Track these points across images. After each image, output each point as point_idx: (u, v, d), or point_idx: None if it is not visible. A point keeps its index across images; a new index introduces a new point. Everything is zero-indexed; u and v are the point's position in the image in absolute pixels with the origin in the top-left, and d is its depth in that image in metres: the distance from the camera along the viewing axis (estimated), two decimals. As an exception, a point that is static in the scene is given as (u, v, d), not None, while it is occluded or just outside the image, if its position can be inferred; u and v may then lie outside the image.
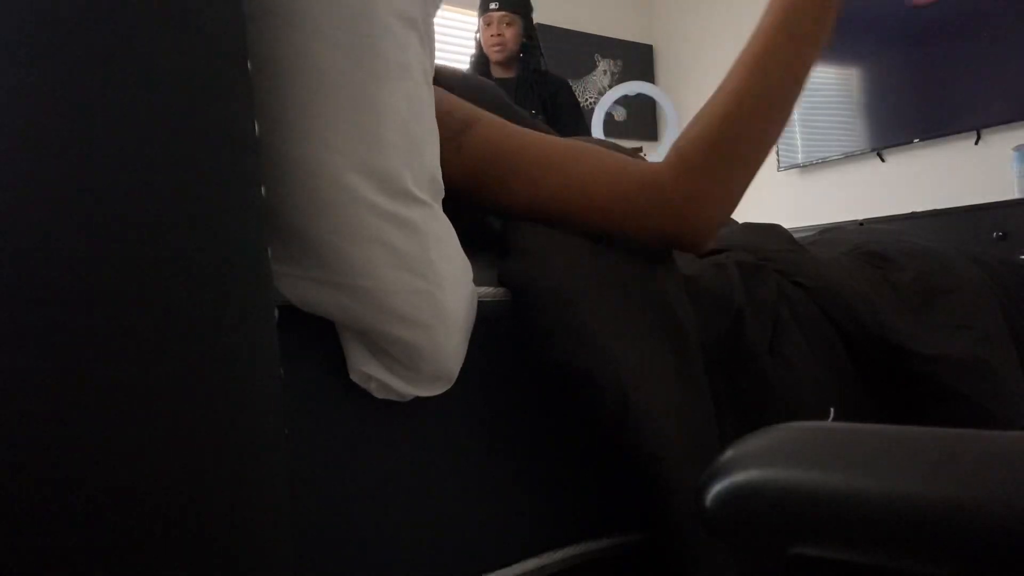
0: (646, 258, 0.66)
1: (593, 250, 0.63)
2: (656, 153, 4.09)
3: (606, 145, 0.74)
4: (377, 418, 0.54)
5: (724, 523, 0.29)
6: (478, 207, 0.68)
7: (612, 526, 0.63)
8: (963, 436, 0.25)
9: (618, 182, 0.65)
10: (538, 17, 2.78)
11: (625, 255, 0.65)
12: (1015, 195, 2.80)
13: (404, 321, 0.50)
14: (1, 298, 0.29)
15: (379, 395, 0.52)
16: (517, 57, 2.71)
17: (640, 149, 3.46)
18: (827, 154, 3.74)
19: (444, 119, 0.60)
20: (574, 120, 2.74)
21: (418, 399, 0.54)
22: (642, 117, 4.55)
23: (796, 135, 3.86)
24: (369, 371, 0.51)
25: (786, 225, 0.99)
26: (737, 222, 0.96)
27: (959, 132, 3.23)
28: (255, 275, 0.36)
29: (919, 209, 3.01)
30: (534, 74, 2.69)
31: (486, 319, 0.58)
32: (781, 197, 3.95)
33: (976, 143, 3.21)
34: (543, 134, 0.69)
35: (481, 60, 2.76)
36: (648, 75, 4.67)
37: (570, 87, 2.83)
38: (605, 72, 4.45)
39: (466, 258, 0.56)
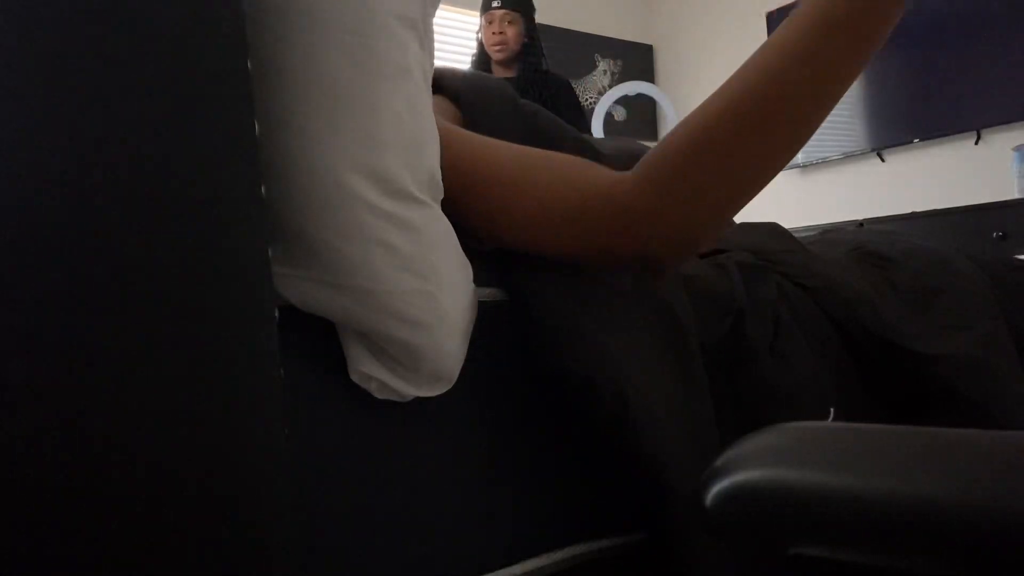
0: None
1: None
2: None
3: (588, 150, 0.71)
4: (377, 418, 0.54)
5: (724, 523, 0.29)
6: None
7: (612, 526, 0.63)
8: (963, 436, 0.25)
9: (578, 195, 0.59)
10: (538, 17, 2.78)
11: None
12: (1015, 195, 2.80)
13: (404, 322, 0.50)
14: (1, 298, 0.29)
15: (379, 395, 0.52)
16: (518, 56, 2.70)
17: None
18: (827, 154, 3.74)
19: None
20: (575, 120, 2.73)
21: (418, 399, 0.54)
22: (642, 117, 4.55)
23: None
24: (369, 371, 0.51)
25: (786, 225, 0.99)
26: (735, 222, 0.96)
27: (959, 132, 3.22)
28: (255, 275, 0.36)
29: (919, 209, 3.01)
30: (535, 74, 2.69)
31: (487, 320, 0.58)
32: (781, 197, 3.95)
33: (976, 143, 3.21)
34: (505, 146, 0.63)
35: (482, 60, 2.75)
36: (648, 75, 4.67)
37: (571, 87, 2.83)
38: (605, 72, 4.45)
39: (466, 259, 0.56)
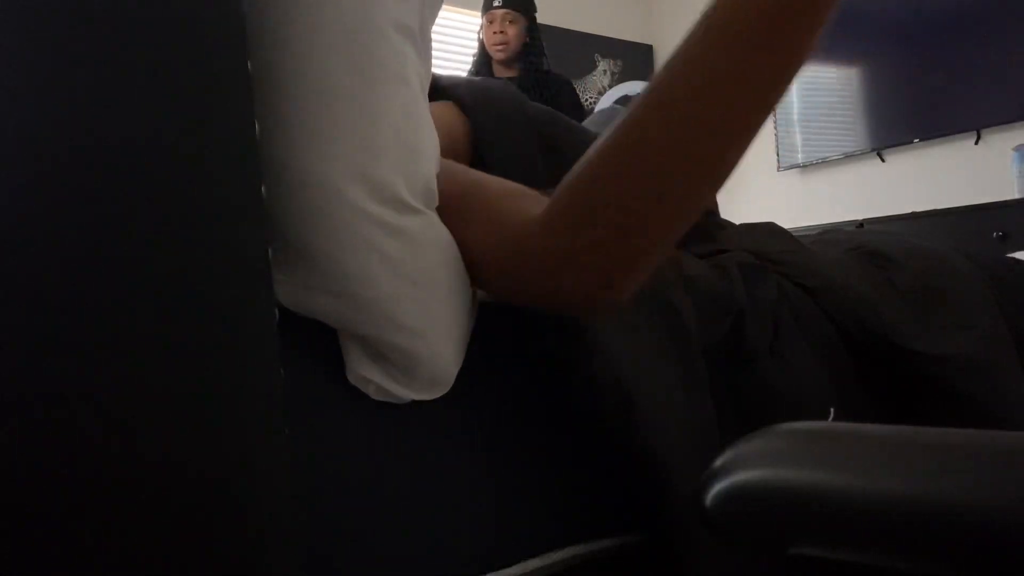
0: None
1: None
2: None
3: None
4: (377, 419, 0.54)
5: (724, 523, 0.29)
6: None
7: (612, 526, 0.63)
8: (964, 436, 0.25)
9: (497, 236, 0.53)
10: (538, 17, 2.78)
11: None
12: (1015, 195, 2.80)
13: (400, 329, 0.50)
14: (1, 298, 0.29)
15: (377, 397, 0.53)
16: (519, 56, 2.70)
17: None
18: (827, 154, 3.74)
19: None
20: (576, 120, 2.73)
21: (418, 400, 0.54)
22: (642, 117, 4.54)
23: (796, 135, 3.86)
24: (367, 375, 0.51)
25: (786, 225, 0.99)
26: (734, 224, 0.96)
27: (959, 132, 3.22)
28: (255, 275, 0.36)
29: (919, 209, 3.01)
30: (536, 74, 2.69)
31: (488, 321, 0.58)
32: (781, 197, 3.95)
33: (976, 143, 3.21)
34: (462, 172, 0.59)
35: (483, 59, 2.75)
36: (648, 75, 4.67)
37: (572, 87, 2.82)
38: (605, 72, 4.45)
39: (463, 264, 0.56)
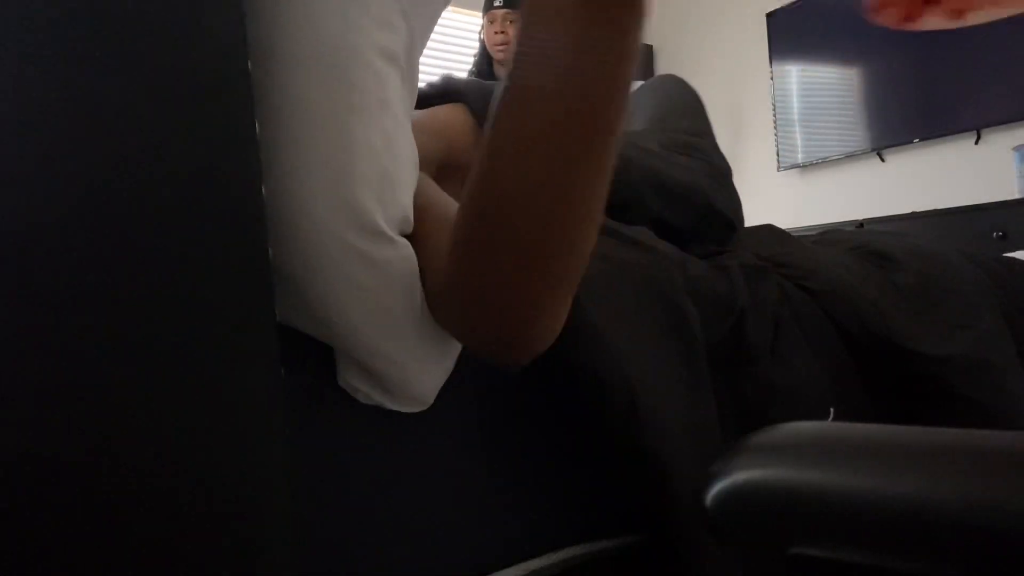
0: (658, 257, 0.66)
1: (604, 250, 0.63)
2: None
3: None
4: (377, 419, 0.54)
5: (724, 523, 0.29)
6: None
7: (612, 527, 0.63)
8: (964, 436, 0.25)
9: (434, 263, 0.51)
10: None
11: (637, 254, 0.65)
12: (1015, 195, 2.80)
13: (373, 353, 0.50)
14: (1, 298, 0.29)
15: (366, 402, 0.53)
16: (519, 57, 2.70)
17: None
18: (827, 154, 3.74)
19: None
20: None
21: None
22: (642, 117, 4.55)
23: (796, 135, 3.86)
24: (354, 383, 0.52)
25: (786, 225, 0.99)
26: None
27: (959, 132, 3.22)
28: (255, 274, 0.36)
29: (919, 209, 3.01)
30: None
31: (486, 319, 0.58)
32: (781, 197, 3.95)
33: (976, 143, 3.21)
34: (435, 200, 0.56)
35: (484, 59, 2.75)
36: (648, 75, 4.67)
37: None
38: (605, 72, 4.44)
39: None
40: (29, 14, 0.30)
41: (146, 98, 0.33)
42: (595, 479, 0.63)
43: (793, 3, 3.77)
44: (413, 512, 0.54)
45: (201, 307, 0.34)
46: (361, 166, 0.47)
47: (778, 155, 3.92)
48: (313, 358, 0.53)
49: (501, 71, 2.71)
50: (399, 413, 0.54)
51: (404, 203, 0.51)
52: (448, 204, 0.56)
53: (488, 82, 0.79)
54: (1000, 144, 3.10)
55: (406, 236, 0.53)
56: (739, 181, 0.95)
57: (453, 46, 3.86)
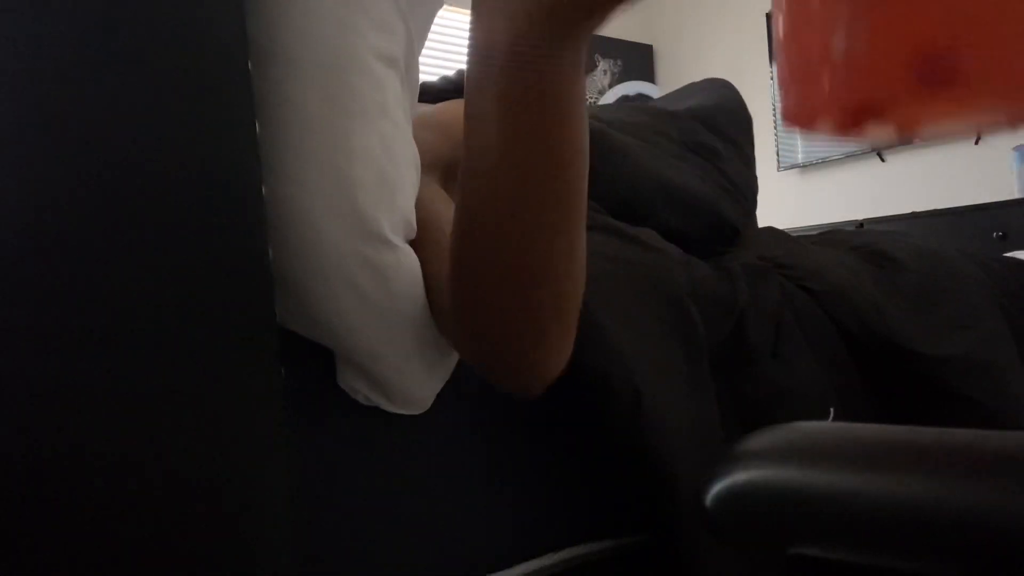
0: (662, 257, 0.66)
1: (610, 250, 0.63)
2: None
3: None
4: (377, 420, 0.54)
5: (724, 523, 0.29)
6: None
7: (612, 527, 0.63)
8: (964, 437, 0.25)
9: (435, 283, 0.51)
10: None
11: (641, 253, 0.65)
12: (1015, 195, 2.80)
13: (371, 357, 0.50)
14: (1, 298, 0.29)
15: (366, 403, 0.53)
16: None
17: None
18: (827, 154, 3.74)
19: None
20: None
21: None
22: (642, 117, 4.55)
23: (796, 135, 3.86)
24: (354, 385, 0.52)
25: (786, 225, 0.99)
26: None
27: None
28: (255, 274, 0.36)
29: (919, 209, 3.01)
30: None
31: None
32: (781, 197, 3.95)
33: (976, 143, 3.21)
34: (426, 200, 0.56)
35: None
36: (648, 75, 4.67)
37: None
38: (605, 72, 4.45)
39: None
40: (29, 14, 0.30)
41: (146, 99, 0.33)
42: (595, 479, 0.63)
43: (793, 3, 3.77)
44: (413, 512, 0.54)
45: (201, 307, 0.34)
46: (360, 171, 0.47)
47: (778, 155, 3.93)
48: (313, 359, 0.53)
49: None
50: (397, 416, 0.54)
51: (405, 207, 0.51)
52: (441, 217, 0.56)
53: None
54: (1000, 144, 3.10)
55: (411, 244, 0.53)
56: (739, 181, 0.95)
57: (453, 46, 3.86)
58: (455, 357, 0.56)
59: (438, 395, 0.55)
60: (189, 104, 0.34)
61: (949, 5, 0.21)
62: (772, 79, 3.90)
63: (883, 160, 3.57)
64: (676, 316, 0.62)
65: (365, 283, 0.48)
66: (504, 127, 0.36)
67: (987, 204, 2.74)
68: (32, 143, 0.30)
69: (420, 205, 0.54)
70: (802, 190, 3.93)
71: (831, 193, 3.79)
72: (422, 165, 0.57)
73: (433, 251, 0.53)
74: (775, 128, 3.91)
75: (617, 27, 4.58)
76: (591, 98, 4.32)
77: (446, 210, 0.57)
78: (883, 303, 0.74)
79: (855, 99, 0.23)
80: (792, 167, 3.90)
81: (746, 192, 0.95)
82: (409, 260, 0.51)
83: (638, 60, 4.65)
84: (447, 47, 3.85)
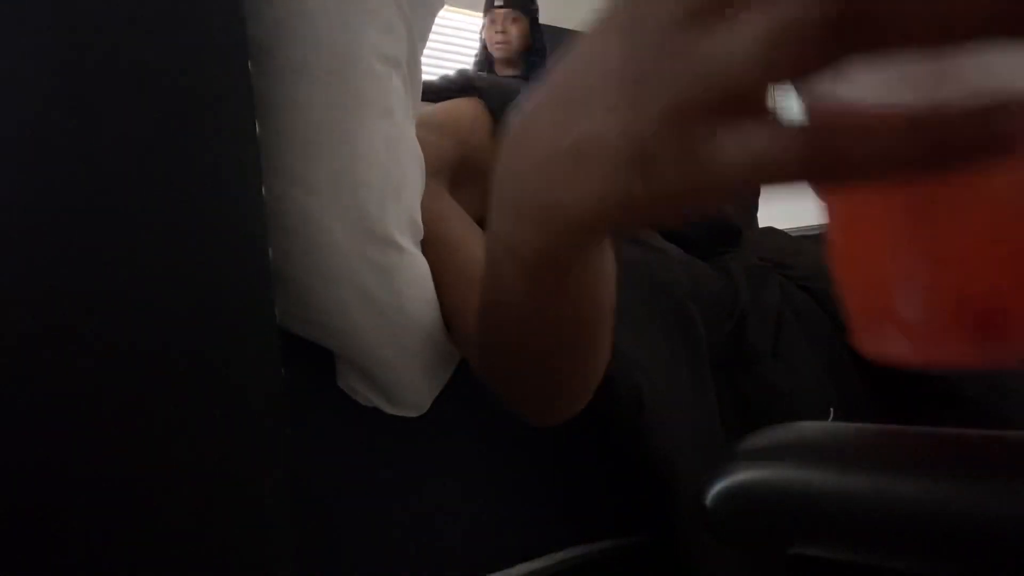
0: (663, 258, 0.66)
1: (615, 251, 0.63)
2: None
3: None
4: (377, 421, 0.54)
5: (725, 523, 0.29)
6: None
7: (612, 527, 0.63)
8: (964, 437, 0.25)
9: (457, 315, 0.53)
10: (539, 17, 2.78)
11: (643, 253, 0.65)
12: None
13: (374, 359, 0.50)
14: (1, 299, 0.29)
15: (365, 404, 0.53)
16: (521, 56, 2.70)
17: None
18: (828, 154, 3.74)
19: None
20: None
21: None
22: (643, 117, 4.54)
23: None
24: (354, 386, 0.52)
25: (786, 225, 0.99)
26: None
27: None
28: (256, 275, 0.36)
29: (920, 209, 3.01)
30: (539, 74, 2.69)
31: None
32: (781, 197, 3.95)
33: None
34: (452, 221, 0.57)
35: (485, 59, 2.75)
36: (649, 75, 4.66)
37: None
38: (606, 72, 4.44)
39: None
40: (29, 15, 0.30)
41: (145, 99, 0.33)
42: (595, 479, 0.63)
43: (794, 3, 3.77)
44: (413, 512, 0.54)
45: (201, 308, 0.34)
46: (364, 172, 0.47)
47: (779, 155, 3.92)
48: (313, 359, 0.53)
49: (501, 69, 2.71)
50: (398, 418, 0.54)
51: (410, 207, 0.51)
52: (462, 240, 0.56)
53: (503, 78, 0.78)
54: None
55: (424, 251, 0.53)
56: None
57: (453, 46, 3.86)
58: (456, 360, 0.56)
59: (440, 395, 0.55)
60: (189, 105, 0.34)
61: (1000, 264, 0.22)
62: (773, 79, 3.90)
63: (884, 160, 3.57)
64: (677, 316, 0.62)
65: (370, 284, 0.48)
66: (528, 299, 0.35)
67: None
68: (31, 143, 0.30)
69: (432, 214, 0.55)
70: (802, 190, 3.93)
71: (832, 193, 3.78)
72: (429, 169, 0.57)
73: (446, 258, 0.53)
74: (776, 128, 3.91)
75: (618, 27, 4.57)
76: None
77: (457, 217, 0.58)
78: None
79: (919, 358, 0.24)
80: (793, 167, 3.90)
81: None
82: (416, 261, 0.51)
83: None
84: (447, 47, 3.85)
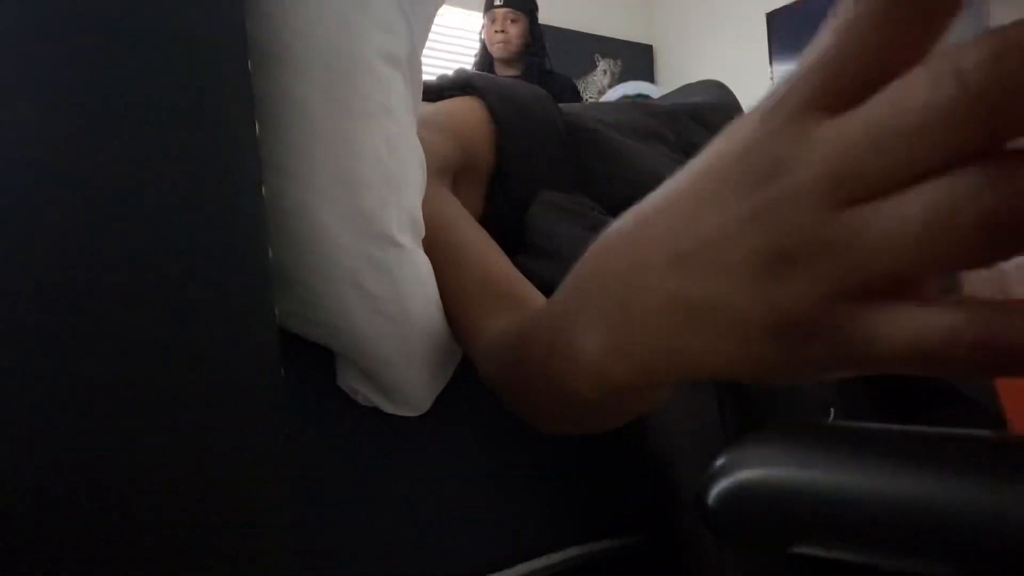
0: None
1: None
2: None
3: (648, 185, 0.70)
4: (377, 420, 0.54)
5: (726, 523, 0.29)
6: None
7: (612, 527, 0.63)
8: (964, 436, 0.25)
9: (462, 326, 0.54)
10: (539, 17, 2.78)
11: None
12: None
13: (375, 359, 0.50)
14: (1, 299, 0.29)
15: (365, 404, 0.53)
16: (521, 55, 2.71)
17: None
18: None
19: None
20: None
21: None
22: (642, 117, 4.55)
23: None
24: (354, 385, 0.52)
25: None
26: None
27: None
28: (255, 274, 0.36)
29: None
30: (540, 73, 2.69)
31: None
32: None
33: None
34: (458, 227, 0.57)
35: (485, 59, 2.76)
36: (648, 75, 4.67)
37: (576, 87, 2.83)
38: (605, 72, 4.45)
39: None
40: (28, 14, 0.30)
41: (145, 98, 0.33)
42: (595, 479, 0.63)
43: (793, 3, 3.77)
44: (413, 513, 0.54)
45: (201, 307, 0.34)
46: (365, 171, 0.47)
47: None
48: (313, 359, 0.53)
49: (501, 69, 2.71)
50: (398, 417, 0.54)
51: (411, 206, 0.51)
52: (469, 241, 0.56)
53: (503, 78, 0.78)
54: None
55: (428, 251, 0.53)
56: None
57: (453, 46, 3.86)
58: (458, 359, 0.56)
59: (440, 394, 0.55)
60: (188, 104, 0.34)
61: None
62: (772, 79, 3.91)
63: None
64: None
65: (371, 282, 0.48)
66: (586, 405, 0.35)
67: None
68: (30, 143, 0.30)
69: (436, 213, 0.55)
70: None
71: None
72: (432, 169, 0.57)
73: (452, 259, 0.53)
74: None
75: (617, 27, 4.58)
76: (591, 98, 4.32)
77: (463, 218, 0.58)
78: None
79: None
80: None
81: None
82: (417, 259, 0.52)
83: (638, 60, 4.65)
84: (447, 47, 3.85)
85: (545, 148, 0.71)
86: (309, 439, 0.50)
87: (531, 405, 0.44)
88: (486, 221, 0.60)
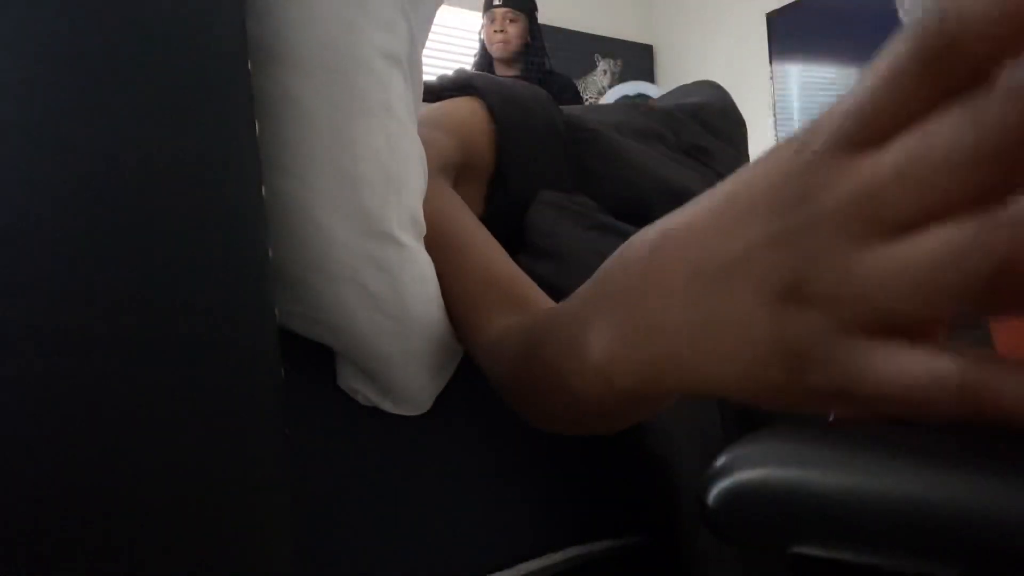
0: None
1: (609, 250, 0.62)
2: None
3: (657, 191, 0.70)
4: (377, 420, 0.54)
5: (726, 523, 0.29)
6: None
7: (612, 527, 0.63)
8: (965, 436, 0.25)
9: (465, 325, 0.54)
10: (539, 17, 2.78)
11: None
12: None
13: (376, 358, 0.50)
14: (1, 299, 0.29)
15: (366, 403, 0.53)
16: (520, 55, 2.71)
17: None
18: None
19: None
20: None
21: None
22: (642, 117, 4.54)
23: (796, 135, 3.87)
24: (354, 385, 0.52)
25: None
26: None
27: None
28: (256, 273, 0.36)
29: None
30: (540, 73, 2.69)
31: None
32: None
33: None
34: (458, 227, 0.58)
35: (484, 59, 2.76)
36: (648, 75, 4.67)
37: (576, 87, 2.83)
38: (605, 72, 4.45)
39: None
40: (29, 14, 0.30)
41: (145, 98, 0.33)
42: (595, 479, 0.63)
43: (793, 3, 3.77)
44: (413, 512, 0.54)
45: (200, 307, 0.34)
46: (365, 169, 0.47)
47: (778, 155, 3.93)
48: (313, 359, 0.53)
49: (501, 69, 2.71)
50: (398, 417, 0.54)
51: (412, 204, 0.51)
52: (472, 240, 0.56)
53: (502, 78, 0.78)
54: None
55: (430, 251, 0.53)
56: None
57: (453, 46, 3.86)
58: (459, 357, 0.56)
59: (440, 394, 0.55)
60: (188, 104, 0.34)
61: None
62: (772, 79, 3.91)
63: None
64: None
65: (371, 281, 0.48)
66: (596, 405, 0.36)
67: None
68: (30, 142, 0.30)
69: (438, 212, 0.55)
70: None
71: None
72: (434, 167, 0.57)
73: (454, 258, 0.54)
74: (775, 128, 3.91)
75: (617, 27, 4.58)
76: (591, 98, 4.32)
77: (467, 216, 0.58)
78: None
79: None
80: (792, 167, 3.90)
81: None
82: (418, 258, 0.51)
83: (638, 60, 4.65)
84: (447, 46, 3.85)
85: (545, 148, 0.71)
86: (309, 439, 0.50)
87: (534, 404, 0.44)
88: (486, 221, 0.60)
